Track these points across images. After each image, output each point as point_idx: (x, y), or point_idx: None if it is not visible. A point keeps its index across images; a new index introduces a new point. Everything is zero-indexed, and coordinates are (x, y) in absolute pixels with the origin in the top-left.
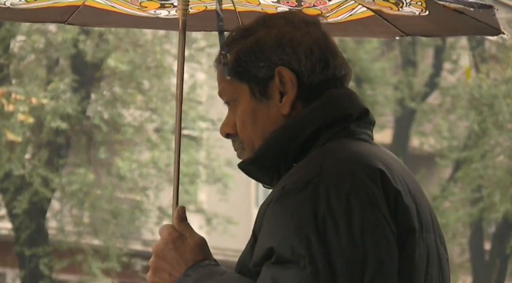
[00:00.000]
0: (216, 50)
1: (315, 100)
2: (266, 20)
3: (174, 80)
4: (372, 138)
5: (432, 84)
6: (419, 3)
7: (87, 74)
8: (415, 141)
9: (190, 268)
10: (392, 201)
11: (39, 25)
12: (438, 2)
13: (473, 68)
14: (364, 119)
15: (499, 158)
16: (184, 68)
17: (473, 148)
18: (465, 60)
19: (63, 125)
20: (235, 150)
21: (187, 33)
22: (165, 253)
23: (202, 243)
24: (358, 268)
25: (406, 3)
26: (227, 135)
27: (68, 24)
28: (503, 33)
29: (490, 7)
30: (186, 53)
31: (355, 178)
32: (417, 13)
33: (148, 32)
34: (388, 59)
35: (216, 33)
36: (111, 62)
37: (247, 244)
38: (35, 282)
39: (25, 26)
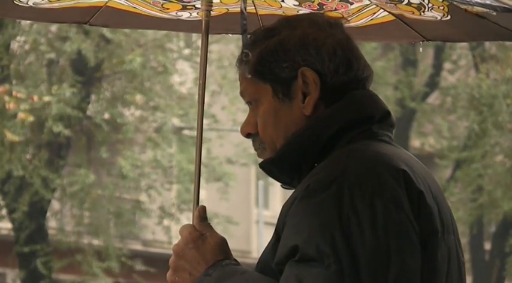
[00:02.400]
0: (216, 49)
1: (338, 101)
2: (289, 20)
3: (175, 79)
4: (393, 140)
5: (432, 84)
6: (442, 7)
7: (87, 74)
8: (415, 141)
9: (211, 268)
10: (416, 202)
11: (41, 26)
12: (461, 6)
13: (473, 68)
14: (385, 120)
15: (499, 158)
16: (185, 67)
17: (473, 148)
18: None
19: (66, 131)
20: (256, 149)
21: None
22: (185, 253)
23: (222, 243)
24: (382, 267)
25: (428, 8)
26: (248, 135)
27: (89, 25)
28: None
29: None
30: (188, 51)
31: (379, 179)
32: (439, 18)
33: (150, 31)
34: (388, 59)
35: (217, 34)
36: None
37: (269, 242)
38: (35, 282)
39: (26, 26)
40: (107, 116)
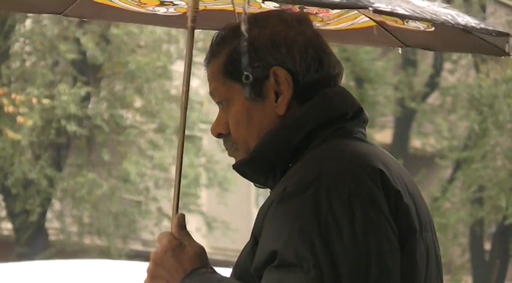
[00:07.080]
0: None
1: (310, 99)
2: (258, 19)
3: (176, 81)
4: (366, 136)
5: (432, 84)
6: None
7: (88, 74)
8: (415, 142)
9: (188, 276)
10: (393, 201)
11: (43, 27)
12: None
13: (473, 68)
14: (358, 117)
15: (499, 158)
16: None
17: (473, 148)
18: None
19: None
20: (227, 149)
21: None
22: (163, 261)
23: (201, 252)
24: (362, 269)
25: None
26: (219, 135)
27: (64, 15)
28: (509, 55)
29: (507, 35)
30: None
31: (355, 179)
32: (422, 28)
33: (150, 33)
34: (388, 59)
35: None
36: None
37: (246, 246)
38: None
39: (26, 26)
40: (107, 117)
